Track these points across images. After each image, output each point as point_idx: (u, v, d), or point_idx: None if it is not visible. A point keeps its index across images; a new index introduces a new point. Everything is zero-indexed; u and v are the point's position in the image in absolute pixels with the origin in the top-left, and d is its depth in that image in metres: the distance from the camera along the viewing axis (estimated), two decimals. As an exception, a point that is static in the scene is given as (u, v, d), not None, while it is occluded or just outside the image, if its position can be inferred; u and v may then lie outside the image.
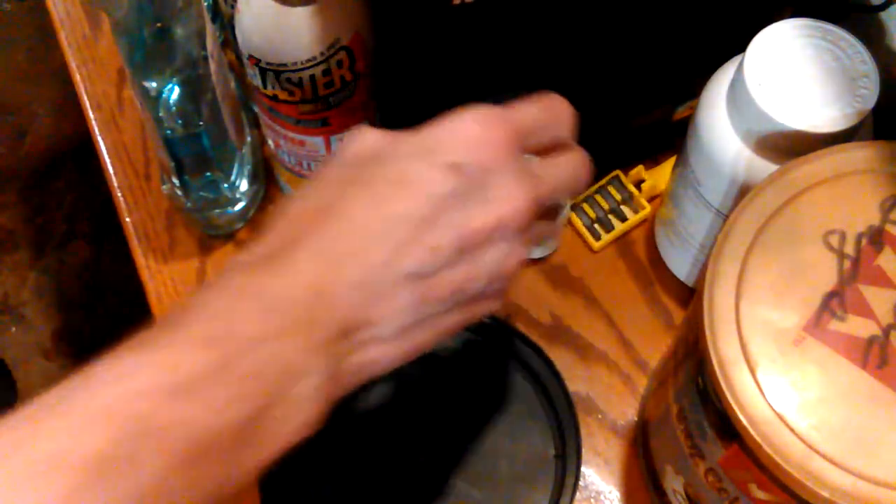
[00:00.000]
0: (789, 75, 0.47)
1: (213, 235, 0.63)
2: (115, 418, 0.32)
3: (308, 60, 0.49)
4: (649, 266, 0.62)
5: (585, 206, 0.63)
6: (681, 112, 0.61)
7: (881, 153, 0.42)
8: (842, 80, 0.47)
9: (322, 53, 0.49)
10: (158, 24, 0.51)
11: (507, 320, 0.60)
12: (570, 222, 0.63)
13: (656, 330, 0.60)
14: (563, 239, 0.63)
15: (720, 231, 0.41)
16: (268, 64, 0.50)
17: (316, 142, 0.55)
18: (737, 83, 0.48)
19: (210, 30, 0.54)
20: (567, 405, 0.57)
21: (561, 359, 0.59)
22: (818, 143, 0.45)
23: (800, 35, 0.48)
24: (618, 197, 0.63)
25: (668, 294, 0.61)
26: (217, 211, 0.62)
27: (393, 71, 0.54)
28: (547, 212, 0.42)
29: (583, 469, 0.56)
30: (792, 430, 0.36)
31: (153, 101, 0.54)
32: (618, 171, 0.63)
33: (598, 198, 0.63)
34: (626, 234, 0.63)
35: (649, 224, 0.63)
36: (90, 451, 0.31)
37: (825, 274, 0.39)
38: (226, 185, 0.61)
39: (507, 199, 0.38)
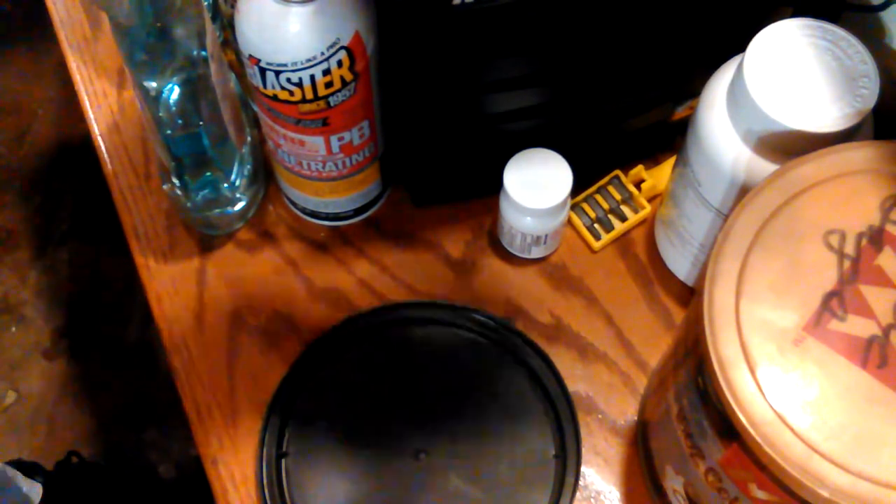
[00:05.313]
0: (789, 75, 0.47)
1: (213, 235, 0.63)
2: None
3: (308, 60, 0.49)
4: (649, 266, 0.62)
5: (585, 206, 0.63)
6: (681, 112, 0.62)
7: (881, 153, 0.42)
8: (842, 80, 0.47)
9: (322, 53, 0.49)
10: (158, 24, 0.51)
11: (507, 320, 0.60)
12: (570, 222, 0.63)
13: (656, 330, 0.60)
14: (563, 239, 0.63)
15: (720, 231, 0.41)
16: (268, 64, 0.50)
17: (316, 142, 0.55)
18: (737, 83, 0.48)
19: (210, 30, 0.54)
20: (567, 405, 0.57)
21: (561, 359, 0.59)
22: (818, 143, 0.45)
23: (800, 35, 0.48)
24: (618, 197, 0.63)
25: (668, 294, 0.61)
26: (217, 211, 0.62)
27: (394, 71, 0.54)
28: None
29: (583, 469, 0.56)
30: (792, 430, 0.36)
31: (153, 101, 0.54)
32: (618, 171, 0.63)
33: (598, 198, 0.63)
34: (626, 234, 0.63)
35: (649, 224, 0.63)
36: None
37: (825, 274, 0.39)
38: (226, 185, 0.61)
39: None
